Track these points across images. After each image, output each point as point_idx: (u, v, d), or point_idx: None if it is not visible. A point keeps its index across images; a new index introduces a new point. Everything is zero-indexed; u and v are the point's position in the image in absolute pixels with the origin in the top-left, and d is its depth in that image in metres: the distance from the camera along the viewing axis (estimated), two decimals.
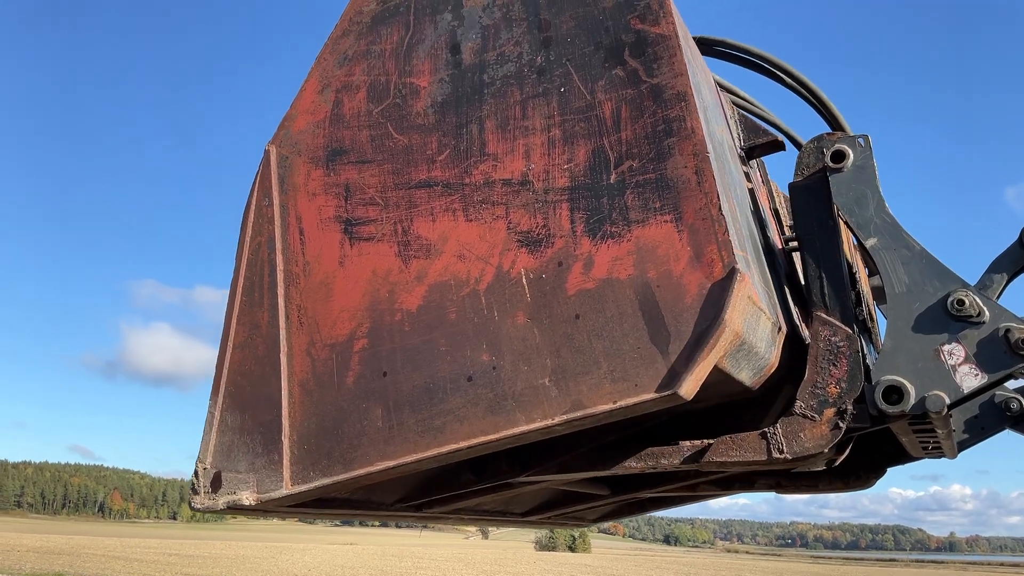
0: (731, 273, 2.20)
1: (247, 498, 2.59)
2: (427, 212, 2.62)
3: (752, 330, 2.35)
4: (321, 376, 2.63)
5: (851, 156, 2.78)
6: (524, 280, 2.42)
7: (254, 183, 2.95)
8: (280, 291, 2.76)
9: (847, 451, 3.09)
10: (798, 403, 2.69)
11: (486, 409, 2.37)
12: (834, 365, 2.67)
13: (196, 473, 2.69)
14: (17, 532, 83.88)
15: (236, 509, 2.67)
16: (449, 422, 2.41)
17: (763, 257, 2.81)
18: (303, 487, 2.55)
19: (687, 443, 2.81)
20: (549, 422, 2.30)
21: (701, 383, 2.21)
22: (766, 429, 2.72)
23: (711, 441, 2.78)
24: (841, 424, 2.64)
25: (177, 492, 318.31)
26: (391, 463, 2.48)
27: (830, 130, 2.94)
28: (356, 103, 2.86)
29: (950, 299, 2.58)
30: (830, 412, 2.66)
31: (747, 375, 2.49)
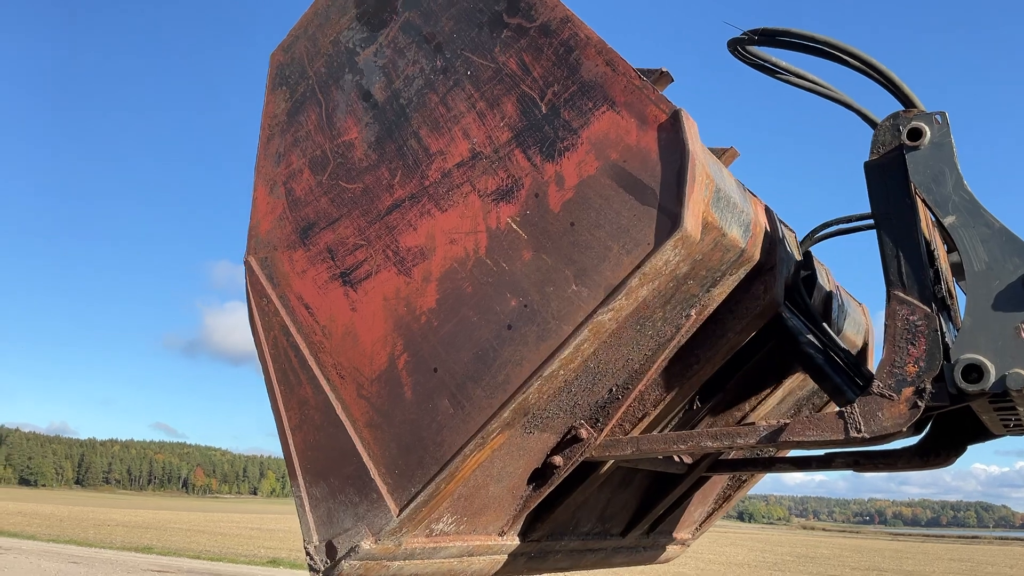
0: (675, 115, 2.46)
1: (366, 543, 2.73)
2: (407, 226, 2.87)
3: (719, 177, 2.63)
4: (381, 408, 2.82)
5: (928, 133, 2.76)
6: (514, 225, 2.67)
7: (247, 293, 3.24)
8: (312, 363, 3.00)
9: (926, 429, 3.08)
10: (876, 382, 2.71)
11: (536, 340, 2.58)
12: (912, 344, 2.68)
13: (308, 555, 2.84)
14: (106, 507, 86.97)
15: (364, 561, 2.78)
16: (510, 370, 2.61)
17: None
18: (411, 505, 2.69)
19: (763, 423, 2.86)
20: (590, 312, 2.51)
21: (700, 221, 2.45)
22: (843, 409, 2.75)
23: (787, 421, 2.82)
24: (920, 403, 2.65)
25: (257, 468, 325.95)
26: (478, 433, 2.63)
27: (904, 108, 2.90)
28: (305, 183, 3.18)
29: None
30: (908, 391, 2.67)
31: (738, 231, 2.73)
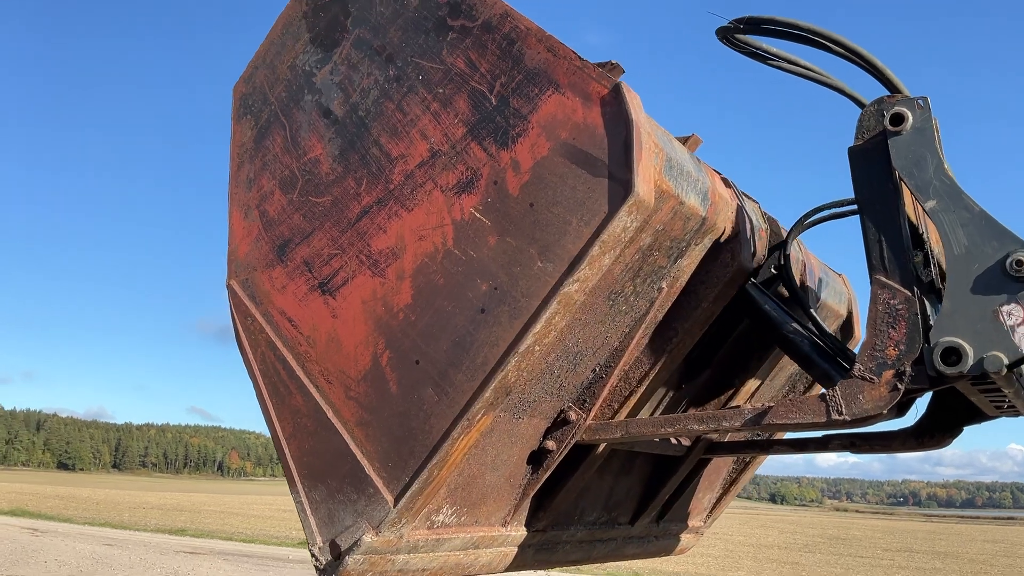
0: (616, 88, 2.56)
1: (368, 536, 2.81)
2: (377, 230, 2.98)
3: (669, 147, 2.75)
4: (370, 406, 2.92)
5: (910, 119, 2.77)
6: (477, 214, 2.77)
7: (232, 315, 3.37)
8: (300, 374, 3.11)
9: (915, 412, 3.12)
10: (857, 365, 2.75)
11: (508, 319, 2.68)
12: (893, 328, 2.72)
13: (314, 556, 2.94)
14: (142, 491, 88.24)
15: (368, 555, 2.86)
16: (487, 351, 2.70)
17: None
18: (406, 494, 2.78)
19: (748, 406, 2.91)
20: (555, 284, 2.61)
21: (651, 185, 2.57)
22: (825, 392, 2.79)
23: (771, 404, 2.87)
24: (900, 386, 2.69)
25: None
26: (463, 415, 2.72)
27: (890, 94, 2.92)
28: (277, 203, 3.31)
29: (1009, 260, 2.58)
30: (888, 374, 2.71)
31: (696, 199, 2.85)
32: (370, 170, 3.06)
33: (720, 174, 3.25)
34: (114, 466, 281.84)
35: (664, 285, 3.02)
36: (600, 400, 3.10)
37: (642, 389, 3.27)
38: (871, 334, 2.74)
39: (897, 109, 2.79)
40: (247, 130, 3.50)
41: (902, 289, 2.72)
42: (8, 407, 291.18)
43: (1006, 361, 2.54)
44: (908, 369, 2.68)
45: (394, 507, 2.79)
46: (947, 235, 2.68)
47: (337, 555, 2.86)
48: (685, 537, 4.94)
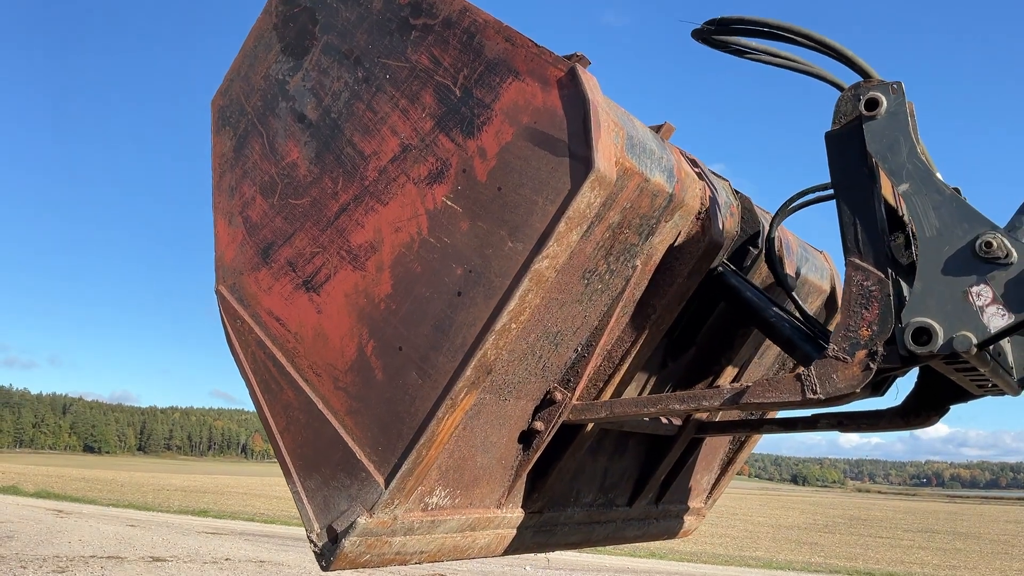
0: (572, 71, 2.69)
1: (362, 519, 2.90)
2: (356, 225, 3.08)
3: (630, 126, 2.85)
4: (358, 394, 3.02)
5: (884, 103, 2.81)
6: (449, 202, 2.87)
7: (222, 319, 3.47)
8: (290, 369, 3.21)
9: (886, 390, 3.18)
10: (831, 345, 2.82)
11: (484, 299, 2.77)
12: (866, 309, 2.78)
13: (312, 542, 3.02)
14: (167, 473, 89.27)
15: (364, 537, 2.95)
16: (465, 332, 2.80)
17: None
18: (396, 475, 2.87)
19: (727, 386, 2.98)
20: (525, 262, 2.71)
21: (612, 161, 2.67)
22: (800, 371, 2.86)
23: (749, 384, 2.93)
24: (872, 365, 2.75)
25: None
26: (446, 395, 2.82)
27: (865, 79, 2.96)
28: (259, 208, 3.42)
29: (978, 241, 2.62)
30: (861, 354, 2.77)
31: (661, 176, 2.96)
32: (345, 169, 3.16)
33: (686, 153, 3.33)
34: (139, 449, 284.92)
35: (638, 263, 3.11)
36: (584, 380, 3.18)
37: (625, 367, 3.35)
38: (845, 315, 2.80)
39: (872, 94, 2.83)
40: (226, 141, 3.60)
41: (875, 271, 2.77)
42: (34, 391, 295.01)
43: (975, 341, 2.59)
44: (880, 349, 2.73)
45: (385, 488, 2.87)
46: (919, 217, 2.73)
47: (334, 538, 2.94)
48: (687, 519, 4.98)
